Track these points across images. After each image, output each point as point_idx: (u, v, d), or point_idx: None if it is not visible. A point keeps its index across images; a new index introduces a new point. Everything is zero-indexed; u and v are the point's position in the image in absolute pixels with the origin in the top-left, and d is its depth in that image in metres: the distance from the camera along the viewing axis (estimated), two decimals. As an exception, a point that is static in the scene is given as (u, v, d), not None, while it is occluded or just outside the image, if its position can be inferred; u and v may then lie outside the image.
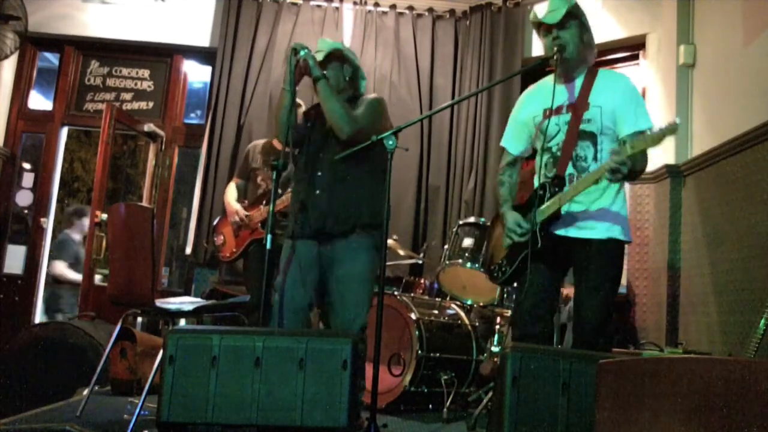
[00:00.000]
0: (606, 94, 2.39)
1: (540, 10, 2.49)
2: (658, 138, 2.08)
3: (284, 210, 3.29)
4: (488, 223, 3.52)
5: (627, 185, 2.48)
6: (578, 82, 2.46)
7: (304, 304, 2.62)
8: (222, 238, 3.87)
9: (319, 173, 2.65)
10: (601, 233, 2.35)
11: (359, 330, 2.56)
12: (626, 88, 2.42)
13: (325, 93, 2.58)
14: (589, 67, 2.50)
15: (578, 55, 2.44)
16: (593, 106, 2.38)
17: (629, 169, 2.14)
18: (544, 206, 2.38)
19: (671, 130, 2.05)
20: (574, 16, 2.44)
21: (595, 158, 2.37)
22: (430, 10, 5.23)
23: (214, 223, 4.10)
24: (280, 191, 3.69)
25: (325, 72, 2.64)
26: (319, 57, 2.68)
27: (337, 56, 2.74)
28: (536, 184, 2.50)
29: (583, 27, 2.46)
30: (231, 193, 3.88)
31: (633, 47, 4.59)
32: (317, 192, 2.63)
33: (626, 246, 2.48)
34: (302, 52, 2.56)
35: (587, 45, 2.48)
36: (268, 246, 2.46)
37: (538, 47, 5.07)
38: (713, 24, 3.93)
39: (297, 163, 2.74)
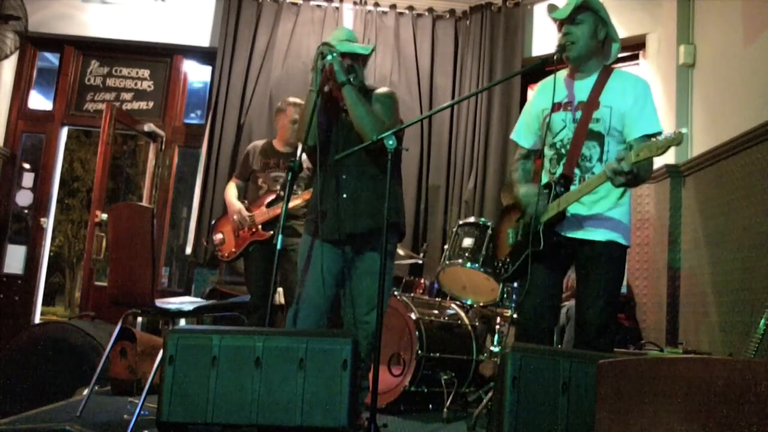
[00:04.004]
0: (618, 95, 2.36)
1: (560, 4, 2.46)
2: (663, 147, 2.05)
3: (291, 212, 3.29)
4: (488, 223, 3.53)
5: (630, 189, 2.45)
6: (591, 79, 2.42)
7: (324, 307, 2.63)
8: (221, 236, 3.86)
9: (344, 176, 2.64)
10: (602, 235, 2.35)
11: (376, 324, 2.57)
12: (639, 90, 2.36)
13: (351, 99, 2.55)
14: (605, 64, 2.46)
15: (588, 52, 2.40)
16: (603, 105, 2.35)
17: (634, 175, 2.12)
18: (547, 207, 2.37)
19: (676, 140, 2.03)
20: (589, 10, 2.38)
21: (600, 159, 2.35)
22: (430, 10, 5.24)
23: (213, 221, 4.10)
24: (282, 193, 3.70)
25: (351, 77, 2.59)
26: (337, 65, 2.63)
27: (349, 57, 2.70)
28: (543, 180, 2.49)
29: (600, 22, 2.40)
30: (232, 192, 3.87)
31: (633, 47, 4.59)
32: (344, 195, 2.62)
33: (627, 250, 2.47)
34: (329, 57, 2.53)
35: (603, 40, 2.42)
36: (279, 246, 2.48)
37: (538, 47, 5.08)
38: (713, 24, 3.93)
39: (320, 165, 2.66)
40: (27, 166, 5.52)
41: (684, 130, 2.05)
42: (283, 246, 2.53)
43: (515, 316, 3.43)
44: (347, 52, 2.67)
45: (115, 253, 2.98)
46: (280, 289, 3.87)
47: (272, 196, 3.70)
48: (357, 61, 2.70)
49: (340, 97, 2.63)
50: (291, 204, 3.32)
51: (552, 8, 2.46)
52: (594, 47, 2.41)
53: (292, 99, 3.88)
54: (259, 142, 3.98)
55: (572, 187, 2.35)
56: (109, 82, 5.52)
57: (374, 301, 2.57)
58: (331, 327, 2.71)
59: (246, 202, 3.83)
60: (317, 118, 2.58)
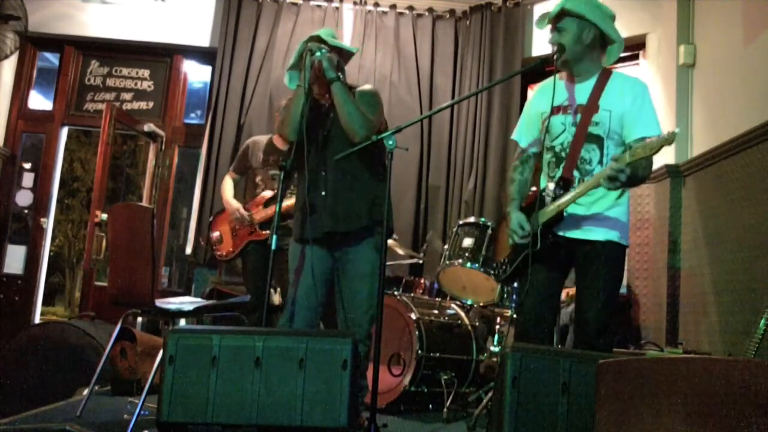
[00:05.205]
0: (617, 97, 2.35)
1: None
2: (656, 146, 2.05)
3: (285, 212, 3.27)
4: (488, 223, 3.53)
5: (629, 189, 2.45)
6: (590, 83, 2.41)
7: (316, 308, 2.63)
8: (218, 234, 3.85)
9: (323, 173, 2.61)
10: (601, 235, 2.35)
11: (369, 325, 2.56)
12: (637, 91, 2.36)
13: (340, 96, 2.52)
14: (606, 66, 2.45)
15: (575, 57, 2.39)
16: (603, 109, 2.35)
17: (629, 176, 2.12)
18: (546, 209, 2.37)
19: (669, 140, 2.03)
20: (571, 16, 2.37)
21: (600, 162, 2.35)
22: (430, 10, 5.24)
23: (210, 218, 4.09)
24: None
25: (339, 74, 2.57)
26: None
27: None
28: (542, 183, 2.49)
29: (586, 26, 2.37)
30: (228, 190, 3.84)
31: (633, 47, 4.59)
32: (323, 193, 2.60)
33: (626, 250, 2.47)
34: (318, 54, 2.50)
35: (591, 43, 2.40)
36: (273, 247, 2.46)
37: (538, 47, 5.08)
38: (713, 24, 3.93)
39: (303, 163, 2.63)
40: (27, 166, 5.52)
41: (676, 130, 2.05)
42: (278, 246, 2.51)
43: (515, 316, 3.44)
44: (334, 47, 2.66)
45: (115, 253, 2.98)
46: (278, 289, 3.87)
47: (271, 194, 3.69)
48: (341, 58, 2.69)
49: (322, 94, 2.61)
50: (286, 203, 3.31)
51: (542, 18, 2.47)
52: (581, 52, 2.39)
53: None
54: (261, 138, 3.94)
55: (572, 190, 2.35)
56: (109, 82, 5.52)
57: (366, 304, 2.57)
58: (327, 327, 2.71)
59: (246, 199, 3.82)
60: (303, 115, 2.55)
